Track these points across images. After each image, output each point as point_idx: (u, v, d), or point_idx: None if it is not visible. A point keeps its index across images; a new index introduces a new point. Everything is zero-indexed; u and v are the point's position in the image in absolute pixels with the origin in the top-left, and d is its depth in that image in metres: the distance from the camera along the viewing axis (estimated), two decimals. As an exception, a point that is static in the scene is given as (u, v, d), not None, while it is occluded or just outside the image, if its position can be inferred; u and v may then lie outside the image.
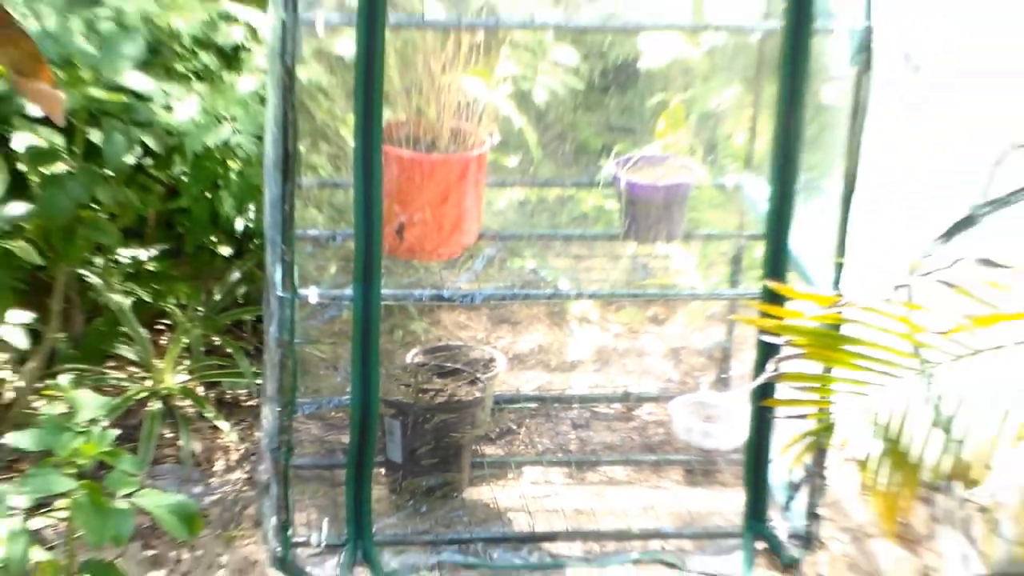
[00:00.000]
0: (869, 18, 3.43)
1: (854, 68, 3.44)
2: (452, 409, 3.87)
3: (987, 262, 2.80)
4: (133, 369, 4.20)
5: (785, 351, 2.73)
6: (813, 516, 3.67)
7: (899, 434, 2.57)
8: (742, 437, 3.72)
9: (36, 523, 3.25)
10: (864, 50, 3.42)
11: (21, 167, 3.99)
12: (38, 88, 2.64)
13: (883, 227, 3.69)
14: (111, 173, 4.02)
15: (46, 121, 3.61)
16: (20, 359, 4.12)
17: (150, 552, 3.54)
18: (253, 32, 4.19)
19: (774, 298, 3.24)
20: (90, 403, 3.47)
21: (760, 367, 3.54)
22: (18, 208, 3.95)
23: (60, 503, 3.13)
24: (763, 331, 3.07)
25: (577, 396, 4.36)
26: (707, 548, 3.80)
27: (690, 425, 4.12)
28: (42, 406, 3.83)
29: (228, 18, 4.23)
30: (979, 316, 2.57)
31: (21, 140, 3.91)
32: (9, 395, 4.07)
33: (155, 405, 4.06)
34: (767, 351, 3.29)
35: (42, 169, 3.98)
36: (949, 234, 3.32)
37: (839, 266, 3.55)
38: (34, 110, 3.70)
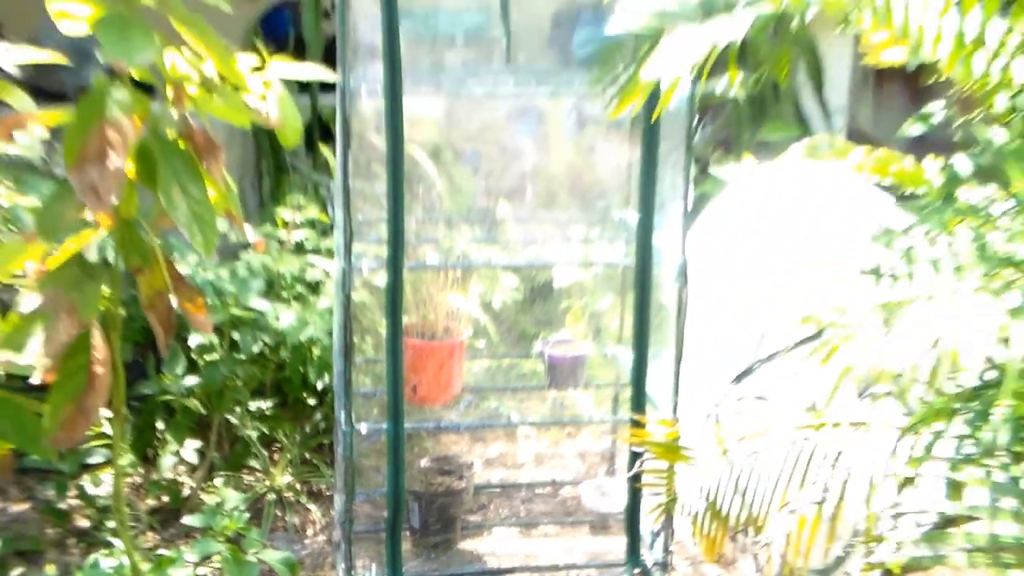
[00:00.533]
0: (684, 255, 3.52)
1: (677, 284, 3.50)
2: (448, 495, 3.87)
3: (759, 397, 2.95)
4: (259, 474, 4.18)
5: (646, 454, 2.87)
6: (667, 551, 3.66)
7: (714, 499, 2.56)
8: (624, 504, 3.70)
9: (202, 571, 3.28)
10: (682, 274, 3.49)
11: (193, 356, 4.07)
12: (199, 317, 2.74)
13: (702, 373, 3.68)
14: (244, 358, 4.07)
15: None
16: (192, 469, 4.13)
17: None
18: (326, 273, 4.27)
19: (637, 422, 3.27)
20: (233, 497, 3.56)
21: (632, 463, 3.48)
22: (191, 380, 4.02)
23: (216, 559, 3.18)
24: (632, 443, 3.09)
25: (524, 483, 4.34)
26: (604, 574, 3.82)
27: (592, 498, 4.13)
28: (206, 499, 3.87)
29: (312, 265, 4.33)
30: (753, 430, 2.71)
31: (193, 340, 4.00)
32: (186, 492, 4.07)
33: (271, 496, 4.07)
34: (636, 455, 3.26)
35: (205, 356, 4.06)
36: (738, 379, 3.46)
37: (675, 401, 3.56)
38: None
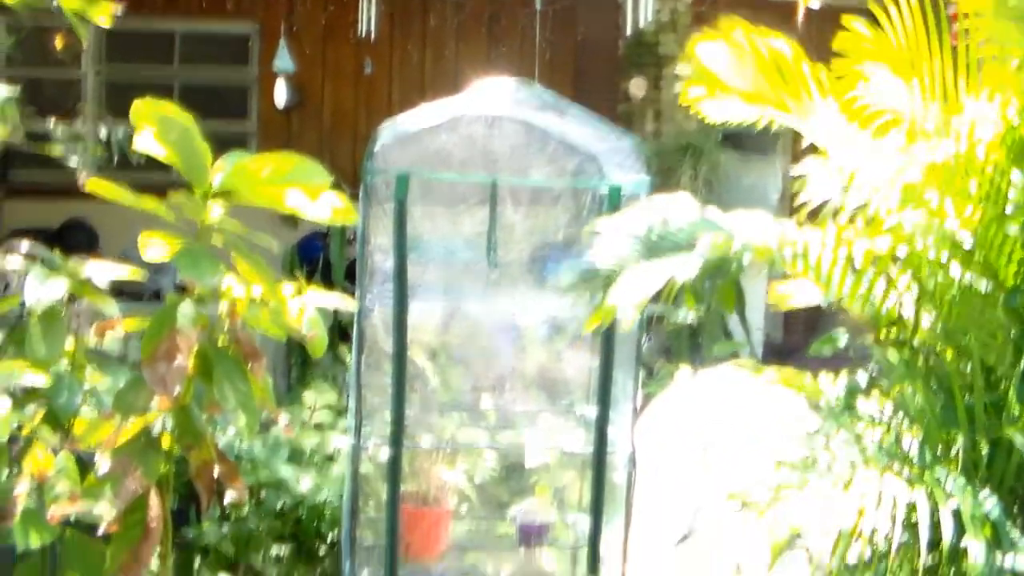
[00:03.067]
0: (632, 444, 3.54)
1: (627, 466, 3.56)
2: None
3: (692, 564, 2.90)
4: None
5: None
6: None
7: None
8: None
9: None
10: (631, 460, 3.53)
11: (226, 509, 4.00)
12: (236, 486, 2.76)
13: (646, 539, 3.62)
14: (269, 513, 4.04)
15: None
16: None
17: None
18: (339, 448, 4.26)
19: None
20: None
21: None
22: (224, 528, 3.97)
23: None
24: None
25: None
26: None
27: None
28: None
29: (328, 441, 4.37)
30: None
31: (228, 495, 3.88)
32: None
33: None
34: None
35: (237, 510, 3.98)
36: (677, 543, 3.44)
37: (624, 559, 3.50)
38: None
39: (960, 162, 2.46)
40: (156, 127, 2.39)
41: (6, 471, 2.96)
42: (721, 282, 4.03)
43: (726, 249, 2.31)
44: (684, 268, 2.26)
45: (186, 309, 2.44)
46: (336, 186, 2.49)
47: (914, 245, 2.50)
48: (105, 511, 2.46)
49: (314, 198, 2.43)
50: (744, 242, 2.36)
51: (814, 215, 2.68)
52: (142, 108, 2.39)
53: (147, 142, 2.40)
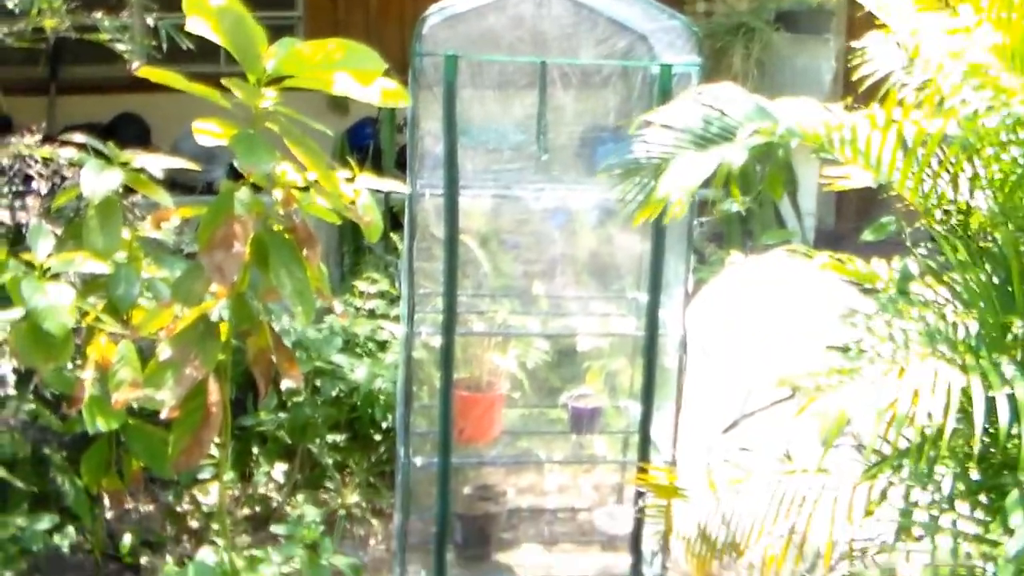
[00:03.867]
0: (684, 329, 3.56)
1: (678, 351, 3.53)
2: (486, 517, 3.89)
3: (743, 449, 2.92)
4: (332, 493, 4.15)
5: (647, 494, 2.91)
6: (664, 568, 3.64)
7: (704, 528, 2.60)
8: (630, 528, 3.70)
9: (285, 569, 3.23)
10: (683, 343, 3.52)
11: (283, 398, 4.09)
12: (292, 372, 2.81)
13: (698, 423, 3.61)
14: (324, 400, 4.09)
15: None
16: (279, 487, 4.10)
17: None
18: (393, 335, 4.29)
19: (642, 468, 3.30)
20: (311, 512, 3.59)
21: (637, 497, 3.53)
22: (281, 416, 4.05)
23: (296, 561, 3.20)
24: (638, 484, 3.16)
25: (548, 509, 4.29)
26: (611, 586, 3.77)
27: (604, 522, 4.10)
28: (290, 511, 3.85)
29: (381, 328, 4.36)
30: (737, 475, 2.70)
31: (284, 384, 3.83)
32: (274, 505, 4.06)
33: (342, 512, 4.05)
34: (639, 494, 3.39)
35: (293, 398, 4.07)
36: (726, 430, 3.45)
37: (674, 445, 3.53)
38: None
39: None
40: (209, 17, 2.36)
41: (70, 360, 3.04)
42: (771, 168, 3.97)
43: (772, 135, 2.25)
44: (732, 155, 2.21)
45: (242, 196, 2.45)
46: (385, 72, 2.46)
47: (976, 125, 2.42)
48: (166, 397, 2.50)
49: (367, 83, 2.39)
50: (789, 127, 2.30)
51: (870, 95, 2.60)
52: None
53: (202, 27, 2.38)
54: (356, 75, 2.39)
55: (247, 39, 2.38)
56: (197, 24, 2.36)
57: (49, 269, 2.76)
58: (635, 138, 2.40)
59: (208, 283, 2.45)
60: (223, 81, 2.40)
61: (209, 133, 2.41)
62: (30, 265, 2.77)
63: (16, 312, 2.70)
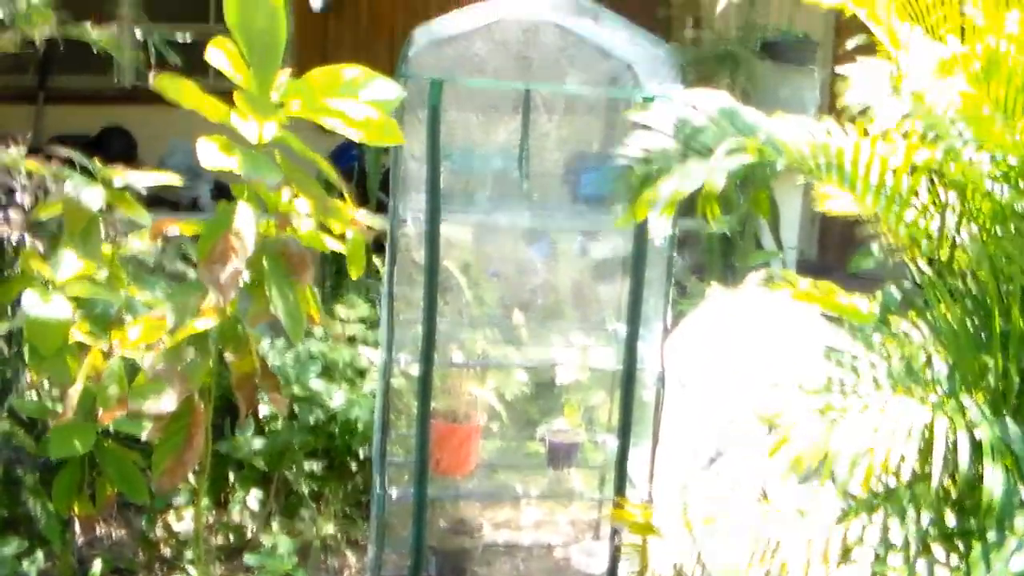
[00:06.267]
0: (662, 367, 3.52)
1: (656, 385, 3.50)
2: (461, 551, 3.85)
3: (719, 486, 2.89)
4: (308, 522, 4.09)
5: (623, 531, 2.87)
6: None
7: (680, 568, 2.57)
8: (606, 567, 3.67)
9: None
10: (660, 380, 3.50)
11: (261, 423, 4.05)
12: (277, 398, 2.80)
13: (674, 459, 3.57)
14: (302, 427, 4.03)
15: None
16: (254, 515, 4.05)
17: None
18: (372, 362, 4.27)
19: (619, 504, 3.29)
20: (284, 542, 3.57)
21: (614, 535, 3.57)
22: (258, 442, 3.99)
23: None
24: (614, 522, 3.16)
25: (525, 545, 4.22)
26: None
27: (580, 559, 4.04)
28: (264, 540, 3.78)
29: (360, 355, 4.33)
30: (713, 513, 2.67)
31: (262, 410, 3.92)
32: (249, 534, 4.01)
33: (316, 542, 3.99)
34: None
35: (271, 424, 4.02)
36: (703, 467, 3.42)
37: (651, 480, 3.52)
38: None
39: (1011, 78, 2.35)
40: (238, 9, 2.33)
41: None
42: (754, 189, 3.93)
43: (757, 151, 2.22)
44: (716, 171, 2.17)
45: (244, 211, 2.44)
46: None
47: (961, 160, 2.40)
48: (153, 412, 2.49)
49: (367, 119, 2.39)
50: (775, 143, 2.28)
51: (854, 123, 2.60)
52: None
53: (218, 59, 2.37)
54: (370, 105, 2.38)
55: (267, 66, 2.38)
56: (216, 54, 2.35)
57: (54, 283, 2.76)
58: (618, 163, 2.38)
59: (203, 299, 2.44)
60: (236, 97, 2.40)
61: (214, 153, 2.39)
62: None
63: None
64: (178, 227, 2.83)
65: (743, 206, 5.52)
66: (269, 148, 2.51)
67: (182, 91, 2.40)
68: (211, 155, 2.38)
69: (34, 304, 2.71)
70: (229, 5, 2.34)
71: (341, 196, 2.75)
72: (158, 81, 2.40)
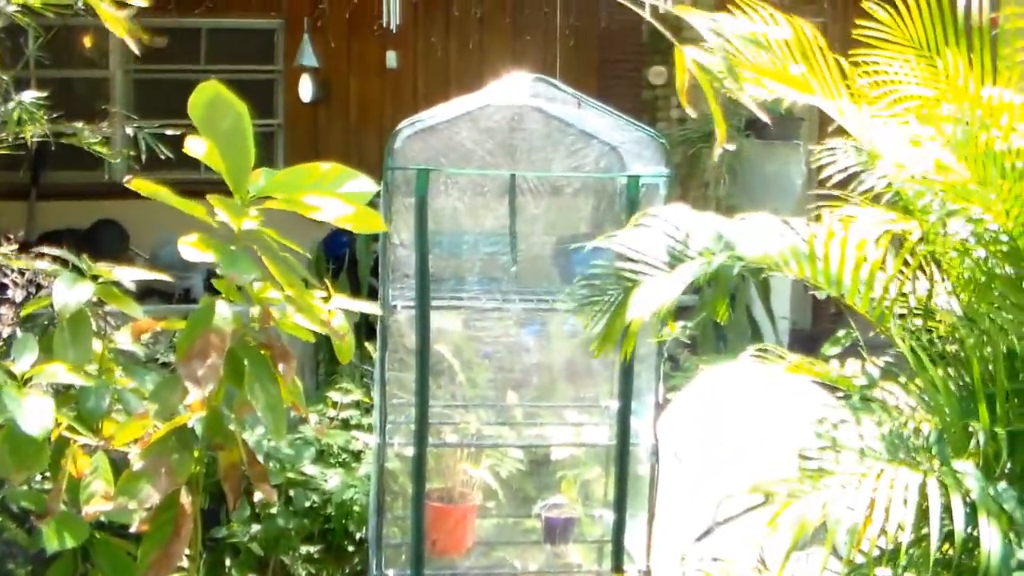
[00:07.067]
0: (656, 440, 3.56)
1: (650, 460, 3.52)
2: None
3: (715, 559, 2.90)
4: None
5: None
6: None
7: None
8: None
9: None
10: (654, 453, 3.52)
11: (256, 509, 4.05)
12: (265, 487, 2.79)
13: (671, 532, 3.59)
14: (297, 511, 4.04)
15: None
16: None
17: None
18: (366, 445, 4.28)
19: None
20: None
21: None
22: (254, 528, 3.97)
23: None
24: None
25: None
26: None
27: None
28: None
29: (355, 439, 4.35)
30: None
31: (257, 495, 3.82)
32: None
33: None
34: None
35: (266, 509, 4.02)
36: (699, 538, 3.44)
37: (649, 553, 3.51)
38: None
39: (982, 147, 2.42)
40: (204, 113, 2.39)
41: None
42: (714, 292, 4.00)
43: (719, 264, 2.31)
44: (675, 286, 2.27)
45: (222, 309, 2.48)
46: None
47: (937, 228, 2.47)
48: (137, 508, 2.49)
49: (356, 207, 2.44)
50: (734, 255, 2.37)
51: (837, 196, 2.67)
52: (200, 96, 2.40)
53: (196, 146, 2.43)
54: (346, 199, 2.43)
55: (239, 165, 2.43)
56: (196, 145, 2.41)
57: (30, 379, 2.76)
58: (605, 253, 2.46)
59: (184, 394, 2.46)
60: (209, 198, 2.46)
61: (193, 246, 2.44)
62: (10, 375, 2.77)
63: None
64: (160, 324, 2.87)
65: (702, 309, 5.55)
66: (251, 239, 2.55)
67: (157, 191, 2.47)
68: (191, 251, 2.44)
69: (8, 406, 2.68)
70: (193, 108, 2.41)
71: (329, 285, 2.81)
72: (134, 183, 2.47)
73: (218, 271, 2.45)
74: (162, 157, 4.09)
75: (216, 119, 2.42)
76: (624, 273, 2.42)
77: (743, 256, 2.38)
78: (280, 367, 2.55)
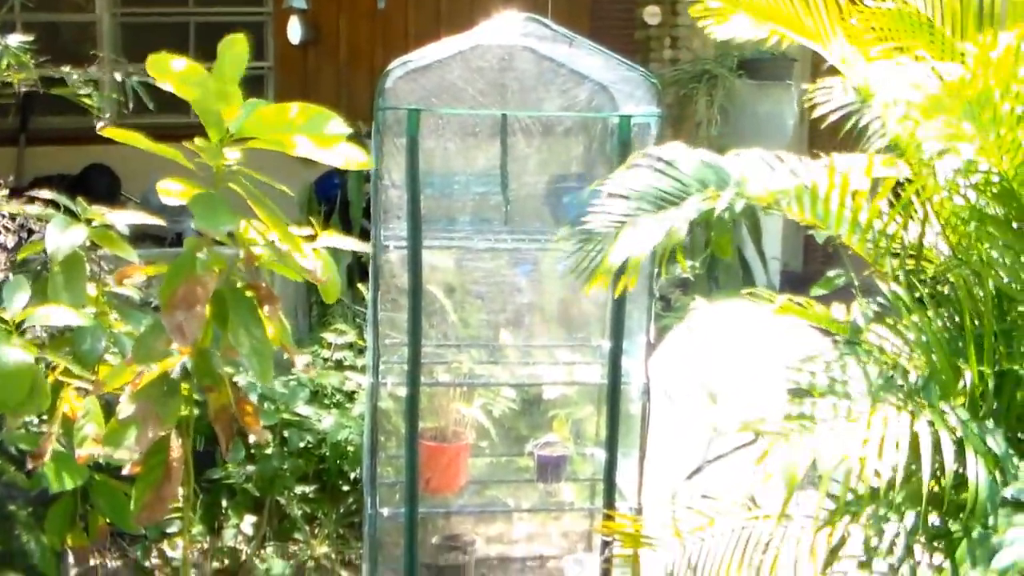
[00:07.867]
0: (647, 379, 3.57)
1: (642, 398, 3.54)
2: (455, 567, 3.87)
3: (705, 496, 2.92)
4: (301, 545, 4.14)
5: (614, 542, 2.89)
6: None
7: (673, 574, 2.62)
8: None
9: None
10: (646, 392, 3.54)
11: (252, 450, 4.08)
12: (255, 428, 2.80)
13: (662, 469, 3.62)
14: (292, 452, 4.06)
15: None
16: (249, 540, 4.08)
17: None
18: (360, 385, 4.29)
19: (609, 516, 3.33)
20: (279, 565, 3.58)
21: (604, 545, 3.58)
22: (250, 468, 4.03)
23: None
24: (604, 533, 3.19)
25: (517, 558, 4.26)
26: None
27: (573, 570, 4.04)
28: (259, 564, 3.85)
29: (348, 379, 4.38)
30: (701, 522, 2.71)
31: (252, 436, 3.95)
32: (243, 558, 4.04)
33: (311, 564, 4.04)
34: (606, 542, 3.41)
35: (261, 450, 4.05)
36: (690, 476, 3.47)
37: (640, 491, 3.56)
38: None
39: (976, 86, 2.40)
40: (172, 80, 2.37)
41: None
42: (716, 232, 3.98)
43: (717, 201, 2.29)
44: (678, 223, 2.25)
45: (204, 255, 2.46)
46: (354, 123, 2.48)
47: (932, 169, 2.46)
48: (127, 454, 2.51)
49: (329, 147, 2.41)
50: (737, 192, 2.35)
51: (834, 133, 2.66)
52: (159, 62, 2.37)
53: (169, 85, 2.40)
54: (320, 140, 2.41)
55: (210, 101, 2.40)
56: (166, 82, 2.38)
57: (21, 323, 2.76)
58: (596, 194, 2.44)
59: (169, 342, 2.46)
60: (187, 143, 2.43)
61: (173, 193, 2.43)
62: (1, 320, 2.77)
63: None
64: (145, 270, 2.86)
65: (707, 246, 5.56)
66: (231, 179, 2.52)
67: (132, 138, 2.45)
68: (172, 195, 2.43)
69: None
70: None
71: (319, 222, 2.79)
72: (107, 131, 2.45)
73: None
74: (150, 107, 4.05)
75: (184, 81, 2.39)
76: (619, 212, 2.41)
77: (748, 194, 2.36)
78: (265, 308, 2.53)
